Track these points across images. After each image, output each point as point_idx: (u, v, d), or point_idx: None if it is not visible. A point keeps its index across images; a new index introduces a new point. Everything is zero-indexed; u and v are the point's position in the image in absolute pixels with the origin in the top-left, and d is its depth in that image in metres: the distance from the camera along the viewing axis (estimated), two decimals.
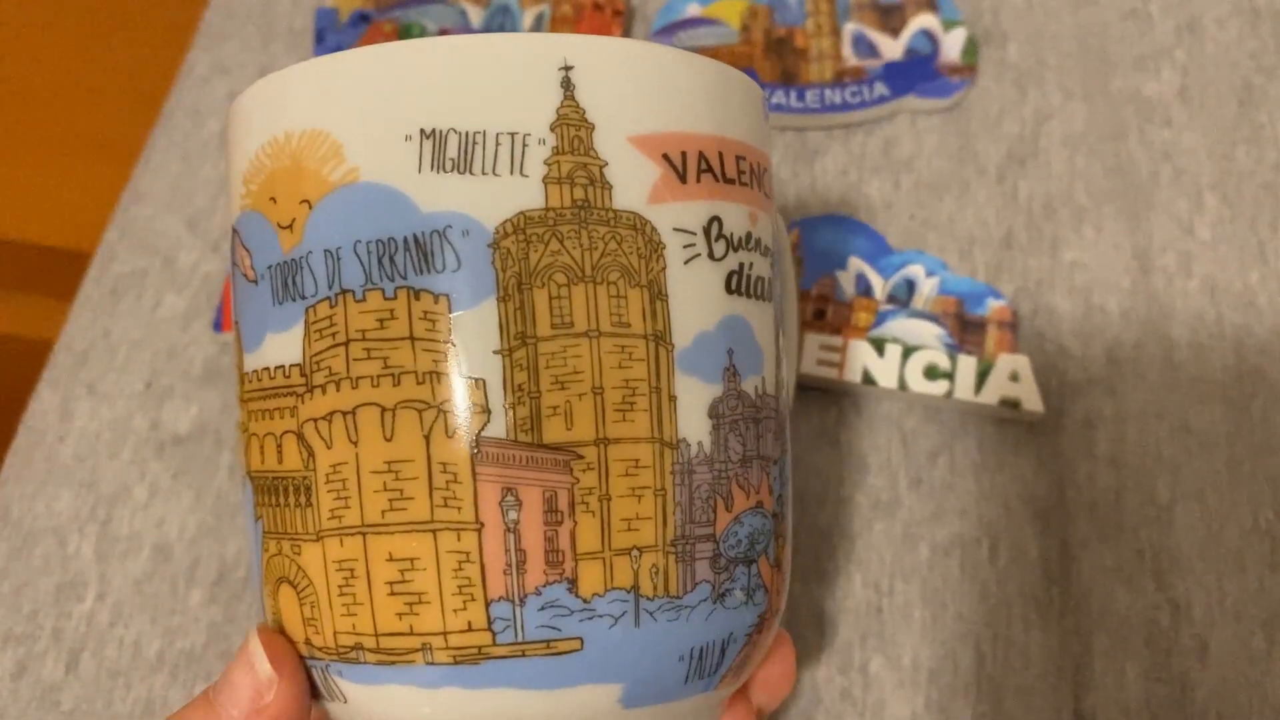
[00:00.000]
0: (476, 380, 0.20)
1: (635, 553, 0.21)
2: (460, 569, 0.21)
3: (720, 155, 0.23)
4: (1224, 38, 0.43)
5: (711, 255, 0.23)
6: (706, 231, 0.23)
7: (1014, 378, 0.35)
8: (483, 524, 0.21)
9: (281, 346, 0.22)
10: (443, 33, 0.43)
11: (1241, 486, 0.35)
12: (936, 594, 0.34)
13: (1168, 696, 0.32)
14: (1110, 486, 0.35)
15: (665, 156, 0.22)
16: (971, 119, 0.42)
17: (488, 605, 0.21)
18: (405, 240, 0.21)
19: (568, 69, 0.21)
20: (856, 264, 0.38)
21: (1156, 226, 0.39)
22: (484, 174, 0.21)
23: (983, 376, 0.36)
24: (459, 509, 0.21)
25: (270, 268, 0.22)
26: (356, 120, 0.21)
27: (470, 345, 0.21)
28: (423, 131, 0.21)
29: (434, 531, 0.21)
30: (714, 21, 0.43)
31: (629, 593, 0.21)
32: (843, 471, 0.36)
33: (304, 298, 0.21)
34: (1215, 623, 0.33)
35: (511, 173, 0.21)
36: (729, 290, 0.23)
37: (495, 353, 0.21)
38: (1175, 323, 0.38)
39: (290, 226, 0.21)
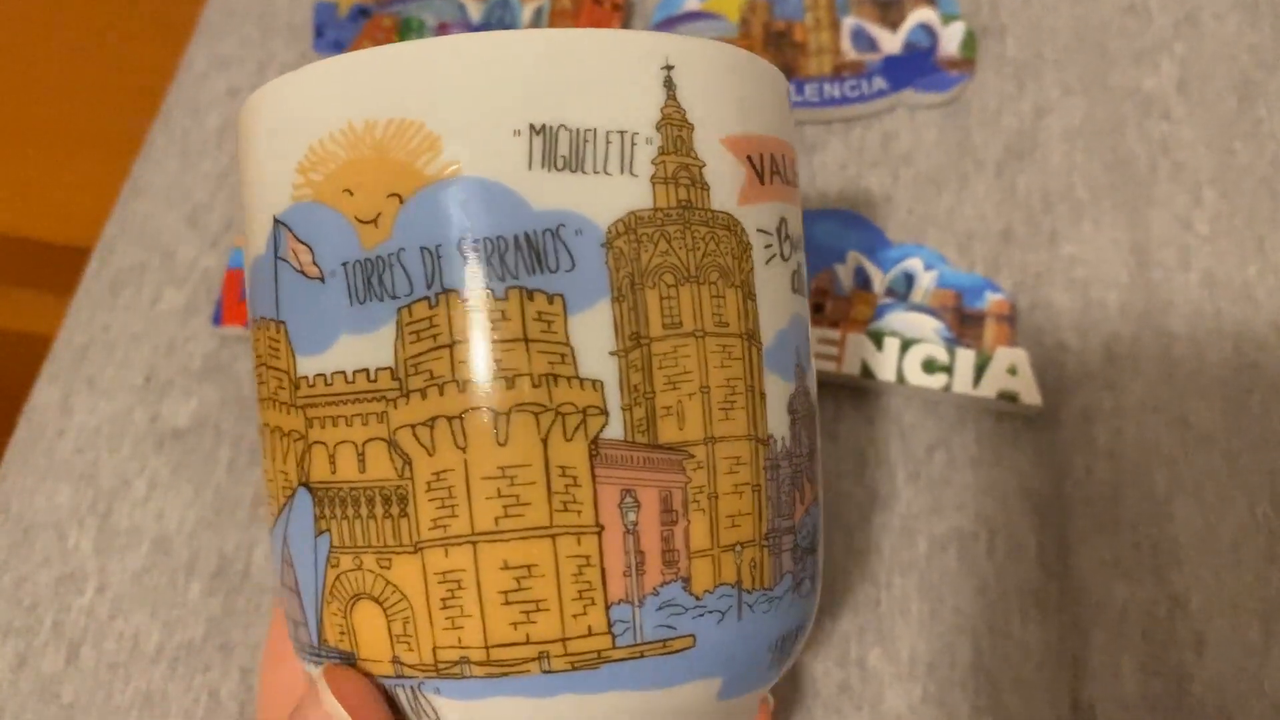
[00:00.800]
0: (594, 382, 0.20)
1: (738, 548, 0.21)
2: (580, 573, 0.20)
3: (784, 158, 0.23)
4: (1223, 32, 0.43)
5: (782, 255, 0.23)
6: (778, 232, 0.23)
7: (1012, 371, 0.35)
8: (603, 526, 0.20)
9: (362, 349, 0.21)
10: (442, 28, 0.43)
11: (1239, 480, 0.35)
12: (934, 587, 0.34)
13: (1165, 689, 0.32)
14: (1108, 480, 0.35)
15: (749, 158, 0.22)
16: (970, 113, 0.42)
17: (608, 608, 0.20)
18: (516, 239, 0.20)
19: (669, 68, 0.21)
20: (855, 257, 0.38)
21: (1155, 221, 0.39)
22: (595, 172, 0.20)
23: (981, 370, 0.36)
24: (579, 512, 0.20)
25: (346, 265, 0.21)
26: (457, 112, 0.20)
27: (587, 346, 0.20)
28: (532, 127, 0.20)
29: (553, 536, 0.20)
30: (713, 15, 0.43)
31: (733, 588, 0.21)
32: (840, 465, 0.36)
33: (394, 297, 0.20)
34: (1212, 616, 0.33)
35: (622, 172, 0.20)
36: (793, 289, 0.24)
37: (611, 354, 0.20)
38: (1173, 317, 0.38)
39: (374, 221, 0.20)
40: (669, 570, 0.21)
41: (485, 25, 0.43)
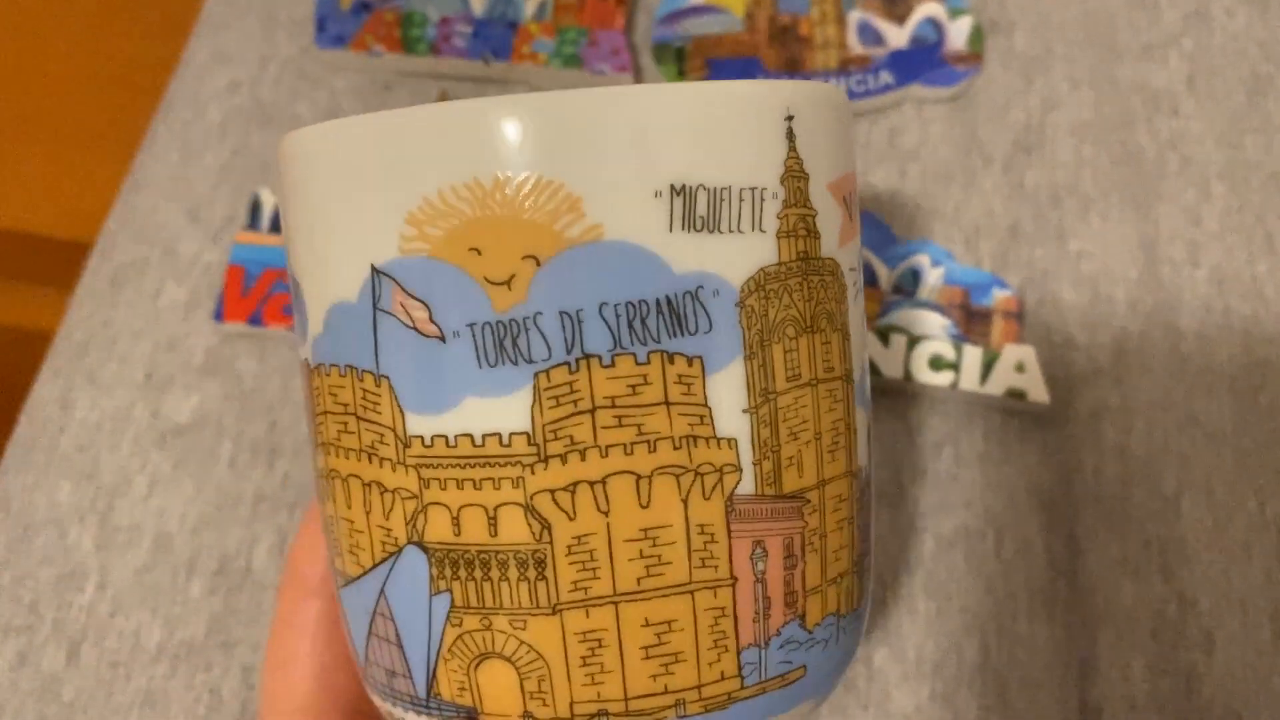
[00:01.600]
0: (730, 440, 0.21)
1: (839, 579, 0.22)
2: (716, 624, 0.21)
3: (856, 190, 0.24)
4: (1232, 26, 0.43)
5: (860, 289, 0.24)
6: (859, 265, 0.24)
7: (1020, 368, 0.35)
8: (736, 579, 0.21)
9: (492, 412, 0.20)
10: (444, 22, 0.42)
11: (1249, 478, 0.34)
12: (941, 586, 0.34)
13: (1174, 689, 0.32)
14: (1117, 478, 0.35)
15: (844, 199, 0.22)
16: (978, 108, 0.42)
17: (739, 653, 0.21)
18: (658, 302, 0.20)
19: (790, 119, 0.21)
20: (862, 253, 0.38)
21: (1164, 216, 0.39)
22: (731, 231, 0.20)
23: (988, 367, 0.35)
24: (716, 567, 0.21)
25: (474, 326, 0.20)
26: (601, 173, 0.19)
27: (723, 406, 0.20)
28: (673, 188, 0.20)
29: (692, 593, 0.21)
30: (718, 9, 0.43)
31: (835, 616, 0.22)
32: None
33: (531, 362, 0.20)
34: (1222, 615, 0.33)
35: (753, 229, 0.20)
36: (864, 320, 0.24)
37: (744, 411, 0.21)
38: (1182, 313, 0.37)
39: (507, 283, 0.20)
40: (789, 610, 0.21)
41: (487, 19, 0.42)
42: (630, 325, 0.20)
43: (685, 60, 0.42)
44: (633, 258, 0.20)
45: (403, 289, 0.21)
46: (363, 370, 0.22)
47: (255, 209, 0.40)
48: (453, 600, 0.21)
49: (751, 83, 0.21)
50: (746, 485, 0.21)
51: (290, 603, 0.27)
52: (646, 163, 0.20)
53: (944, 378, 0.35)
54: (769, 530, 0.21)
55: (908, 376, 0.35)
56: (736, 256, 0.20)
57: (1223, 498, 0.34)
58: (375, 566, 0.22)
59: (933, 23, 0.42)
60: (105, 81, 0.56)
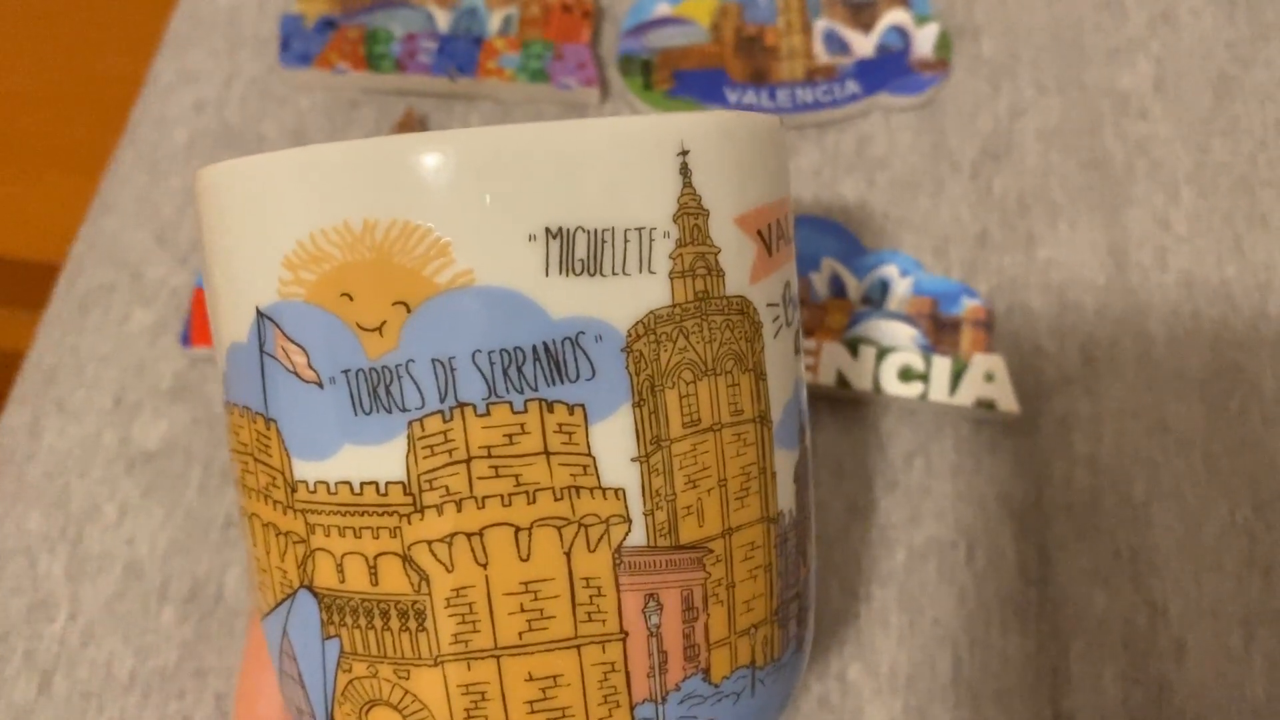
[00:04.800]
0: (616, 491, 0.20)
1: (753, 630, 0.22)
2: (606, 679, 0.20)
3: (786, 217, 0.23)
4: (1199, 28, 0.43)
5: (788, 322, 0.23)
6: (784, 299, 0.23)
7: (989, 378, 0.35)
8: (627, 633, 0.20)
9: (370, 461, 0.20)
10: (409, 38, 0.42)
11: (1219, 484, 0.35)
12: (913, 599, 0.34)
13: (1146, 698, 0.32)
14: (1087, 487, 0.35)
15: (759, 233, 0.22)
16: (945, 115, 0.42)
17: (633, 709, 0.20)
18: (534, 349, 0.19)
19: (684, 153, 0.20)
20: (830, 264, 0.38)
21: (1132, 221, 0.39)
22: (614, 274, 0.19)
23: (958, 377, 0.35)
24: (603, 621, 0.20)
25: (348, 373, 0.20)
26: (469, 218, 0.19)
27: (608, 455, 0.20)
28: (548, 231, 0.19)
29: (578, 647, 0.20)
30: (684, 21, 0.43)
31: (748, 668, 0.22)
32: (817, 476, 0.35)
33: (405, 410, 0.20)
34: (1193, 623, 0.33)
35: (640, 271, 0.20)
36: (795, 352, 0.23)
37: (633, 460, 0.20)
38: (1152, 319, 0.37)
39: (379, 330, 0.19)
40: (690, 665, 0.21)
41: (453, 34, 0.42)
42: (505, 373, 0.19)
43: (652, 73, 0.42)
44: (506, 304, 0.19)
45: (283, 333, 0.20)
46: (255, 412, 0.21)
47: None
48: (342, 646, 0.21)
49: (639, 119, 0.21)
50: (637, 536, 0.20)
51: (258, 634, 0.27)
52: (518, 206, 0.19)
53: (913, 389, 0.35)
54: (664, 582, 0.20)
55: (877, 388, 0.35)
56: (622, 300, 0.20)
57: (1193, 505, 0.34)
58: (278, 605, 0.22)
59: (899, 30, 0.42)
60: (71, 101, 0.56)
